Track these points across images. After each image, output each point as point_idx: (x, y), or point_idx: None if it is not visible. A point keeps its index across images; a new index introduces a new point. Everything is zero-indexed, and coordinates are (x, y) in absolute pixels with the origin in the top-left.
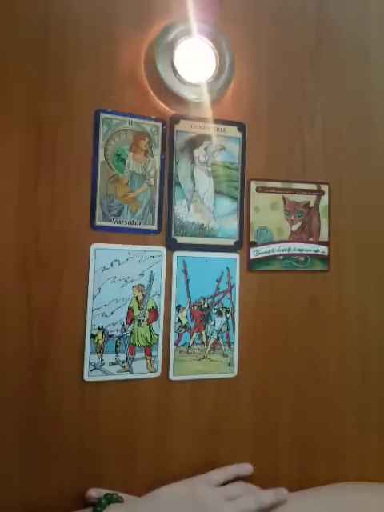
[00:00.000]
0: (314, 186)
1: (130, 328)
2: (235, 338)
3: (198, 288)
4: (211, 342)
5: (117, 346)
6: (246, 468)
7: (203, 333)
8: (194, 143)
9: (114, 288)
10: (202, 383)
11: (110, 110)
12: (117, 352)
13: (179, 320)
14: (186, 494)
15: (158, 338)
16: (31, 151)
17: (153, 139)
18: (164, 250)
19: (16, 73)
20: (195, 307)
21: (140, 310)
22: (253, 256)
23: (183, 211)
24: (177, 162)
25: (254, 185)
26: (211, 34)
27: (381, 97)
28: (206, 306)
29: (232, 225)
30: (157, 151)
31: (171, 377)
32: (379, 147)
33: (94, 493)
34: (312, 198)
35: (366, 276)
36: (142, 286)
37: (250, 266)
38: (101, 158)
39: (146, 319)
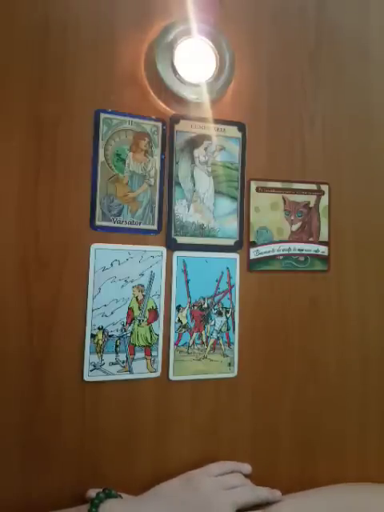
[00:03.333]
0: (313, 186)
1: (129, 328)
2: (235, 338)
3: (198, 288)
4: (211, 341)
5: (117, 345)
6: (246, 467)
7: (203, 333)
8: (194, 143)
9: (114, 288)
10: (201, 383)
11: (110, 110)
12: (117, 352)
13: (179, 320)
14: (183, 484)
15: (157, 338)
16: (31, 151)
17: (153, 139)
18: (164, 250)
19: (16, 73)
20: (195, 307)
21: (140, 309)
22: (253, 256)
23: (183, 211)
24: (177, 162)
25: (253, 185)
26: (211, 33)
27: (381, 96)
28: (206, 305)
29: (232, 225)
30: (157, 151)
31: (171, 377)
32: (379, 147)
33: (93, 493)
34: (312, 198)
35: (366, 276)
36: (142, 286)
37: (250, 265)
38: (101, 158)
39: (145, 319)
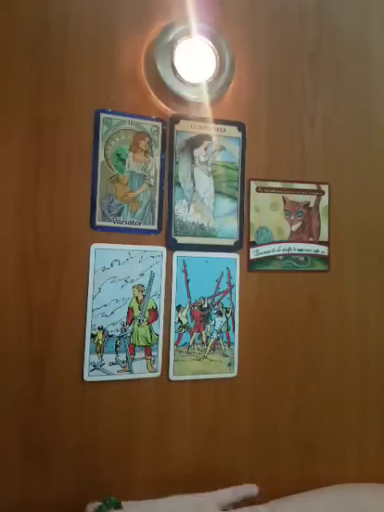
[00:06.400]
0: (313, 186)
1: (129, 328)
2: (235, 338)
3: (198, 288)
4: (211, 342)
5: (117, 345)
6: (253, 489)
7: (203, 333)
8: (193, 143)
9: (113, 288)
10: (202, 383)
11: (110, 110)
12: (117, 352)
13: (179, 320)
14: (190, 509)
15: (158, 338)
16: (31, 151)
17: (153, 139)
18: (164, 249)
19: (16, 73)
20: (195, 307)
21: (140, 309)
22: (253, 256)
23: (183, 211)
24: (177, 162)
25: (253, 185)
26: (211, 33)
27: (381, 97)
28: (205, 306)
29: (232, 225)
30: (157, 151)
31: (171, 377)
32: (379, 147)
33: (92, 509)
34: (312, 198)
35: (366, 276)
36: (142, 286)
37: (250, 266)
38: (101, 158)
39: (146, 319)
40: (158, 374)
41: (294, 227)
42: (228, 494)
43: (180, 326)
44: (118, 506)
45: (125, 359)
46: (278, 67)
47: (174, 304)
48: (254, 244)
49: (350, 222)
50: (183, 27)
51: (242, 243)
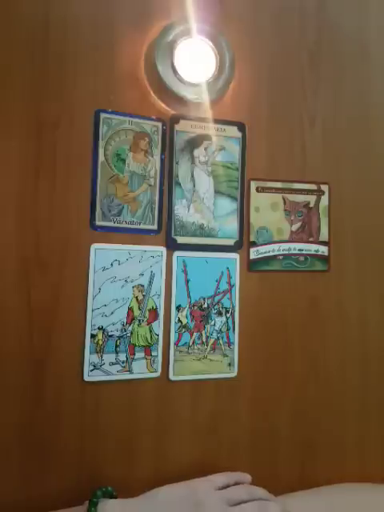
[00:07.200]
0: (313, 186)
1: (129, 328)
2: (235, 338)
3: (197, 288)
4: (211, 342)
5: (117, 345)
6: (247, 477)
7: (203, 333)
8: (194, 143)
9: (113, 288)
10: (202, 383)
11: (110, 110)
12: (117, 352)
13: (179, 320)
14: (187, 494)
15: (158, 338)
16: (31, 151)
17: (153, 139)
18: (164, 249)
19: (16, 73)
20: (195, 307)
21: (140, 309)
22: (253, 256)
23: (183, 211)
24: (177, 162)
25: (253, 185)
26: (211, 33)
27: (381, 97)
28: (205, 306)
29: (232, 225)
30: (157, 151)
31: (171, 377)
32: (379, 147)
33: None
34: (312, 198)
35: (366, 276)
36: (142, 286)
37: (250, 266)
38: (101, 158)
39: (145, 319)
40: (157, 374)
41: (294, 227)
42: (221, 478)
43: (180, 326)
44: (113, 497)
45: (125, 359)
46: (278, 67)
47: (174, 304)
48: (254, 244)
49: (350, 222)
50: (183, 27)
51: (242, 243)
